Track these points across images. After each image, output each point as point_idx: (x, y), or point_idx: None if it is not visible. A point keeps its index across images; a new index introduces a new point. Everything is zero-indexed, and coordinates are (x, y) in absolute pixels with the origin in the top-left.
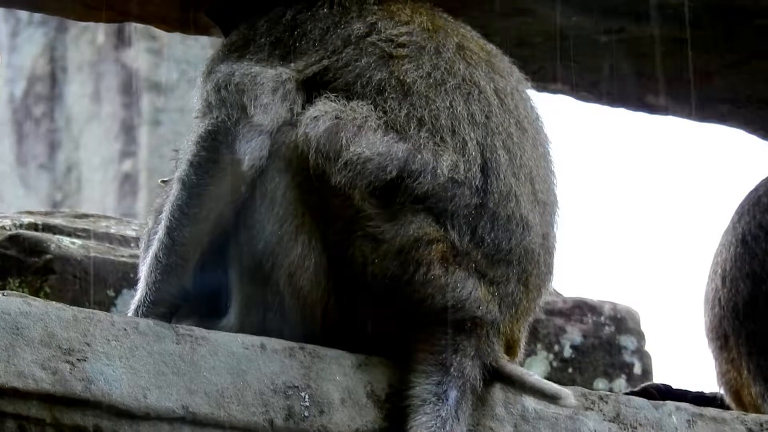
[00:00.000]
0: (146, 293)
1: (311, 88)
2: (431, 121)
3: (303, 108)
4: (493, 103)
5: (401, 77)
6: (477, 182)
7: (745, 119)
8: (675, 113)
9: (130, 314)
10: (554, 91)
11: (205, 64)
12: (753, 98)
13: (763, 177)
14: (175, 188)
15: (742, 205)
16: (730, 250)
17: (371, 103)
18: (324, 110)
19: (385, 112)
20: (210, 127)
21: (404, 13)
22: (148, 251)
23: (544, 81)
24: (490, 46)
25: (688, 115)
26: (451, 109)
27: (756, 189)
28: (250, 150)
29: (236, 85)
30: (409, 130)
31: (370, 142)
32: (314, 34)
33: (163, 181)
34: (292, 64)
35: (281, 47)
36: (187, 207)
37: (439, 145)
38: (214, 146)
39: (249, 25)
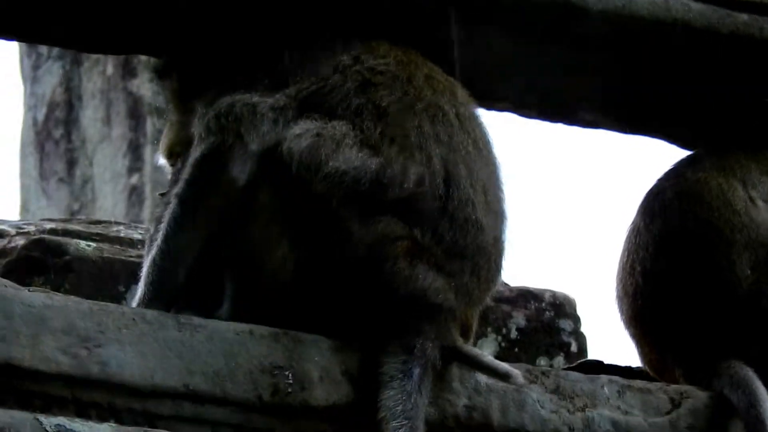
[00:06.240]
0: (145, 292)
1: (298, 109)
2: (401, 139)
3: (289, 125)
4: (455, 125)
5: (377, 102)
6: (440, 191)
7: (666, 132)
8: (605, 127)
9: None
10: (500, 109)
11: (208, 96)
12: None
13: (662, 176)
14: (173, 202)
15: (651, 207)
16: (648, 250)
17: (350, 123)
18: (306, 128)
19: (361, 131)
20: (206, 151)
21: (382, 48)
22: (149, 255)
23: (491, 100)
24: (452, 79)
25: (618, 129)
26: (419, 129)
27: (662, 191)
28: (246, 171)
29: (236, 115)
30: (382, 147)
31: (347, 157)
32: (307, 67)
33: (162, 194)
34: (287, 90)
35: (280, 83)
36: (182, 219)
37: (408, 159)
38: (209, 168)
39: (251, 68)
